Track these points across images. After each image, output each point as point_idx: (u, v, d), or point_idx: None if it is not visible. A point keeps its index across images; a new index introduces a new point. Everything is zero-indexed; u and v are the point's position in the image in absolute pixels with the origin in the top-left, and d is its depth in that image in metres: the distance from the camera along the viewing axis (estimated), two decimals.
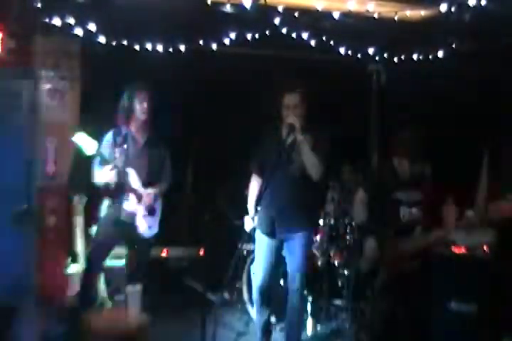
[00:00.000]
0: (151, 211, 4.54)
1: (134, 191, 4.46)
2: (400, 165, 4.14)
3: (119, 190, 4.45)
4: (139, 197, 4.48)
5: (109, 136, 4.50)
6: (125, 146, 4.41)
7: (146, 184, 4.52)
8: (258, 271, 4.32)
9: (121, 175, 4.38)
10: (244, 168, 4.50)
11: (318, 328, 4.83)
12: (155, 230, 4.58)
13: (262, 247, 4.30)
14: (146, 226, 4.51)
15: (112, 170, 4.29)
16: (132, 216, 4.47)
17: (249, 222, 4.41)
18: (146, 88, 4.49)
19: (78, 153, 4.38)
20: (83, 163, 4.52)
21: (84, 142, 4.19)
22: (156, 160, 4.60)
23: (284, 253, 4.30)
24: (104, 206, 4.68)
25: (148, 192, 4.51)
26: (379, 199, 4.20)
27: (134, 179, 4.46)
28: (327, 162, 4.12)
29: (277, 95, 4.18)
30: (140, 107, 4.45)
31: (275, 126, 4.28)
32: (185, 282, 5.43)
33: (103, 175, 4.35)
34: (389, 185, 4.12)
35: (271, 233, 4.22)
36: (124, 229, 4.48)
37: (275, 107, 4.18)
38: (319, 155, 4.07)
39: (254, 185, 4.39)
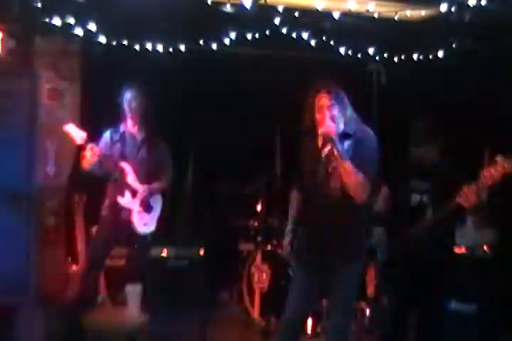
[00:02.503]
0: (146, 207, 4.56)
1: (129, 186, 4.49)
2: (415, 154, 3.93)
3: (115, 187, 4.51)
4: (134, 193, 4.50)
5: (106, 135, 4.57)
6: (121, 144, 4.50)
7: (142, 180, 4.54)
8: (289, 303, 3.53)
9: (117, 172, 4.45)
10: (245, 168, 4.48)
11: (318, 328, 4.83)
12: (152, 228, 4.60)
13: (296, 278, 3.59)
14: (141, 222, 4.53)
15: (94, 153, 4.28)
16: (128, 212, 4.50)
17: (286, 246, 3.67)
18: (137, 87, 4.52)
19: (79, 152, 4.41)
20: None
21: (74, 132, 4.33)
22: (153, 158, 4.63)
23: (325, 288, 3.51)
24: (105, 205, 4.68)
25: (143, 188, 4.53)
26: (394, 188, 4.03)
27: (129, 175, 4.49)
28: (373, 180, 3.29)
29: (309, 95, 3.38)
30: (132, 106, 4.49)
31: (310, 133, 3.43)
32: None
33: (88, 161, 4.34)
34: (404, 174, 3.96)
35: (309, 263, 3.46)
36: (121, 227, 4.50)
37: (306, 110, 3.39)
38: (364, 172, 3.22)
39: (294, 203, 3.67)
